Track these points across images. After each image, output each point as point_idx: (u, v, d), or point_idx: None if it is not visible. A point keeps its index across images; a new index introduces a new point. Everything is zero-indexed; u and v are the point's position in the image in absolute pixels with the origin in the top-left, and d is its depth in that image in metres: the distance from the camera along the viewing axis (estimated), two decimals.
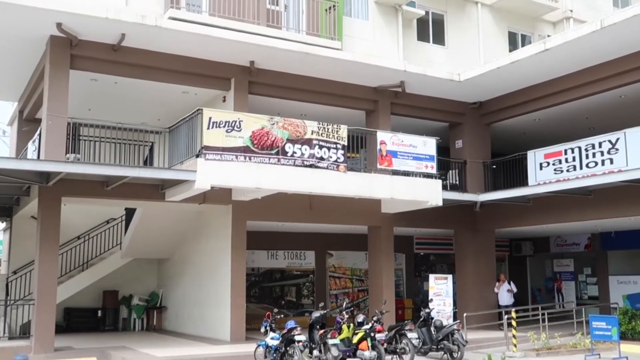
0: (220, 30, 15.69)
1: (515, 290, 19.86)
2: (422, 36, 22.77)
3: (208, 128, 13.85)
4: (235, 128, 14.15)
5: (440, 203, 16.98)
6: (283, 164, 14.62)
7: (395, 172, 16.50)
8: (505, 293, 19.66)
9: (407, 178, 16.68)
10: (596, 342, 14.95)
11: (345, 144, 15.60)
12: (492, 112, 19.97)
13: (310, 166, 15.00)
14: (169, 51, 15.67)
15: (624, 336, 16.00)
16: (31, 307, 14.98)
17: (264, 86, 17.02)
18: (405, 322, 14.77)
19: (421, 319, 15.10)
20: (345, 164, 15.50)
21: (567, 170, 16.68)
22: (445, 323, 15.20)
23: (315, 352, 13.19)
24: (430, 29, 23.03)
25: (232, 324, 15.87)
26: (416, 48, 22.27)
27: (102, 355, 14.28)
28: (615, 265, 22.32)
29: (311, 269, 21.96)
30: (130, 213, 18.78)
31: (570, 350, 15.45)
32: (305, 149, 14.99)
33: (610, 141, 15.68)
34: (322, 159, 15.18)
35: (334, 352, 12.65)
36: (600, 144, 15.92)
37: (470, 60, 22.83)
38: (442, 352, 14.55)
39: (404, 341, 13.80)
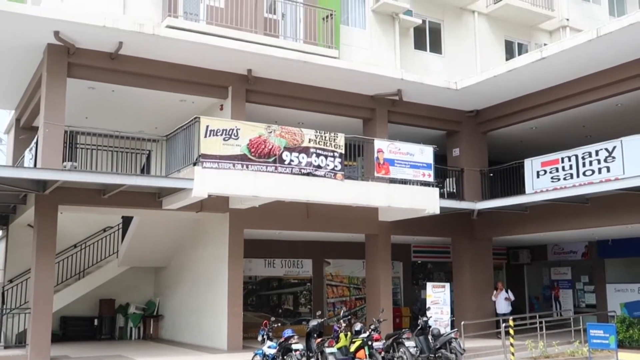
0: (218, 38, 15.72)
1: (512, 298, 19.84)
2: (419, 45, 22.86)
3: (205, 136, 13.85)
4: (233, 136, 14.15)
5: (437, 211, 16.98)
6: (280, 172, 14.62)
7: (393, 180, 16.51)
8: (502, 301, 19.64)
9: (405, 186, 16.68)
10: (594, 351, 14.90)
11: (343, 152, 15.61)
12: (489, 120, 20.01)
13: (308, 174, 15.00)
14: (167, 59, 15.69)
15: (621, 344, 15.97)
16: (27, 316, 14.92)
17: (261, 94, 17.03)
18: (403, 330, 14.72)
19: (419, 328, 15.05)
20: (343, 172, 15.50)
21: (564, 179, 16.69)
22: (442, 331, 15.16)
23: None
24: (427, 38, 23.12)
25: (229, 332, 15.81)
26: (413, 56, 22.36)
27: None
28: (613, 273, 22.31)
29: (308, 277, 21.92)
30: (127, 221, 18.74)
31: (568, 359, 15.42)
32: (303, 157, 14.99)
33: (607, 149, 15.71)
34: (319, 167, 15.18)
35: None
36: (597, 152, 15.95)
37: (467, 68, 22.92)
38: None
39: (401, 350, 13.75)
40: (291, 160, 14.82)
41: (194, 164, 13.74)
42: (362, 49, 21.09)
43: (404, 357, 13.62)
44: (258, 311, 20.64)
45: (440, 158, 19.15)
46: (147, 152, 17.15)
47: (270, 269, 21.23)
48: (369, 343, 13.00)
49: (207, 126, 13.93)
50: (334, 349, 12.81)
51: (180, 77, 16.01)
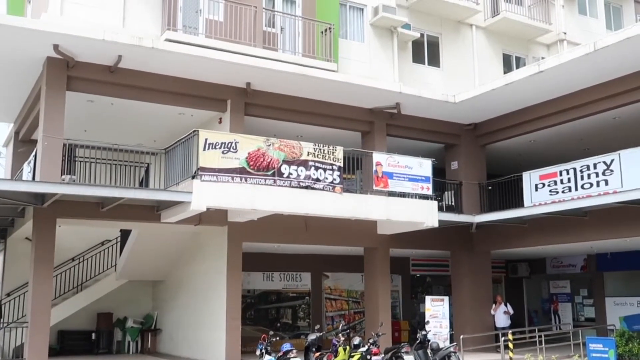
0: (217, 52, 15.77)
1: (512, 312, 19.79)
2: (418, 58, 22.96)
3: (204, 149, 13.85)
4: (231, 149, 14.16)
5: (436, 224, 16.97)
6: (279, 185, 14.62)
7: (391, 194, 16.51)
8: (502, 315, 19.59)
9: (403, 199, 16.67)
10: None
11: (341, 165, 15.62)
12: (487, 133, 20.04)
13: (306, 187, 14.99)
14: (166, 73, 15.72)
15: (621, 358, 15.91)
16: (24, 330, 14.82)
17: (260, 107, 17.06)
18: (402, 344, 14.69)
19: (418, 341, 15.01)
20: (341, 185, 15.50)
21: (563, 192, 16.70)
22: (442, 345, 15.11)
23: None
24: (426, 51, 23.23)
25: (228, 346, 15.72)
26: (411, 70, 22.44)
27: None
28: (612, 287, 22.28)
29: (307, 291, 21.86)
30: (125, 234, 18.69)
31: None
32: (301, 170, 15.00)
33: (605, 162, 15.73)
34: (318, 180, 15.18)
35: None
36: (595, 165, 15.97)
37: (465, 82, 23.00)
38: None
39: None
40: (290, 174, 14.83)
41: (193, 177, 13.74)
42: (361, 63, 21.17)
43: None
44: (256, 325, 20.56)
45: (439, 171, 19.17)
46: (146, 165, 17.14)
47: (269, 283, 21.17)
48: (368, 357, 12.94)
49: (206, 139, 13.94)
50: None
51: (179, 90, 16.04)
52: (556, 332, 21.09)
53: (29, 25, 13.68)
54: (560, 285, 24.05)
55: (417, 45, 22.96)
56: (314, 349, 13.74)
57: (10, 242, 18.94)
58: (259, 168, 14.41)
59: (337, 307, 22.31)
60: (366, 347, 13.24)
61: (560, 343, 18.61)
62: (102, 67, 15.10)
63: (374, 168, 16.29)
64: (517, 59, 25.44)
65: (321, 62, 19.36)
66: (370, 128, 18.77)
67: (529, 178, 17.66)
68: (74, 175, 14.96)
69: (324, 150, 15.41)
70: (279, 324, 21.01)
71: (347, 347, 13.45)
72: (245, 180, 14.19)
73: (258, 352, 13.52)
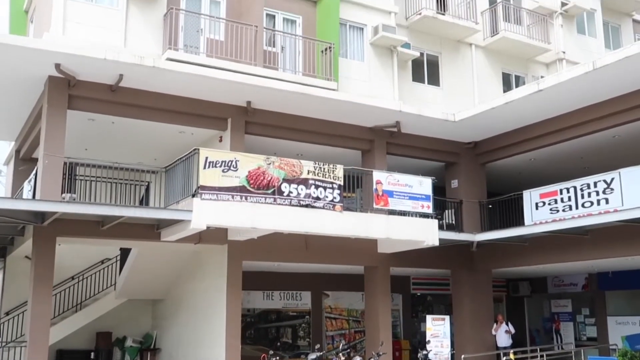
0: (218, 71, 15.85)
1: (513, 331, 19.67)
2: (417, 77, 23.08)
3: (204, 168, 13.87)
4: (232, 168, 14.17)
5: (436, 243, 16.92)
6: (279, 204, 14.61)
7: (392, 212, 16.49)
8: (503, 334, 19.47)
9: (404, 218, 16.65)
10: None
11: (342, 183, 15.63)
12: (487, 152, 20.07)
13: (307, 206, 14.99)
14: (167, 91, 15.78)
15: None
16: (23, 349, 14.73)
17: (260, 126, 17.10)
18: None
19: None
20: (342, 204, 15.49)
21: (563, 210, 16.68)
22: None
23: None
24: (425, 70, 23.36)
25: None
26: (411, 88, 22.55)
27: None
28: (614, 306, 22.17)
29: (307, 310, 21.75)
30: (125, 253, 18.66)
31: None
32: (302, 189, 15.00)
33: (605, 181, 15.73)
34: (318, 198, 15.18)
35: None
36: (595, 184, 15.97)
37: (465, 100, 23.10)
38: None
39: None
40: (290, 192, 14.83)
41: (193, 196, 13.74)
42: (361, 81, 21.28)
43: None
44: (256, 344, 20.43)
45: (439, 189, 19.16)
46: (146, 183, 17.15)
47: (269, 302, 21.08)
48: None
49: (206, 158, 13.96)
50: None
51: (180, 109, 16.09)
52: (558, 351, 20.98)
53: (31, 44, 13.77)
54: (561, 304, 23.93)
55: (416, 64, 23.09)
56: None
57: (10, 261, 18.89)
58: (259, 186, 14.41)
59: (338, 326, 22.19)
60: None
61: None
62: (104, 86, 15.17)
63: (374, 186, 16.29)
64: (517, 77, 25.57)
65: (321, 81, 19.46)
66: (371, 146, 18.80)
67: (530, 196, 17.66)
68: (74, 193, 14.97)
69: (324, 168, 15.42)
70: (279, 343, 20.87)
71: None
72: (246, 199, 14.19)
73: None
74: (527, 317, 25.52)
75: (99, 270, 20.01)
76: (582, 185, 16.30)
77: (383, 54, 22.00)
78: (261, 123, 17.05)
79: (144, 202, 17.64)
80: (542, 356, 17.48)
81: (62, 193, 14.30)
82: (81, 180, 15.37)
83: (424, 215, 16.91)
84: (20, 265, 17.96)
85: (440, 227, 17.69)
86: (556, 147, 18.57)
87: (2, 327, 18.10)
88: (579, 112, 17.13)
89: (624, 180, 15.25)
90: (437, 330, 17.55)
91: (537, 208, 17.37)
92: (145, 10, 18.06)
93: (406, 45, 22.29)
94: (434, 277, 23.26)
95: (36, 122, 16.19)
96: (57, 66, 14.19)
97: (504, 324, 19.66)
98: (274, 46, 19.84)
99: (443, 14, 23.17)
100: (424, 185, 17.04)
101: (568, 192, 16.63)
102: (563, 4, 26.27)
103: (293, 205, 14.78)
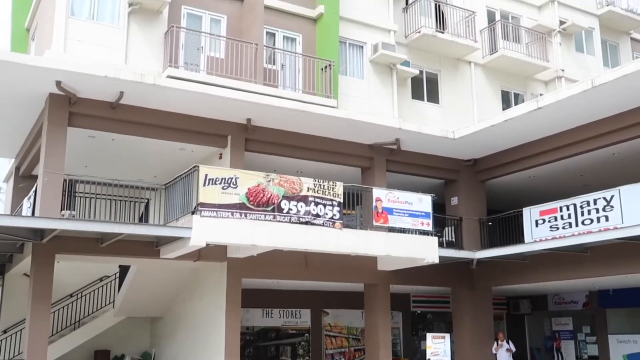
0: (218, 88, 15.89)
1: (514, 349, 19.54)
2: (417, 94, 23.16)
3: (204, 185, 13.87)
4: (232, 185, 14.18)
5: (436, 260, 16.88)
6: (279, 221, 14.59)
7: (392, 229, 16.47)
8: (504, 353, 19.32)
9: (403, 235, 16.63)
10: None
11: (341, 200, 15.62)
12: (486, 169, 20.08)
13: (306, 223, 14.97)
14: (167, 109, 15.82)
15: None
16: None
17: (260, 143, 17.13)
18: None
19: None
20: (341, 221, 15.48)
21: (563, 228, 16.66)
22: None
23: None
24: (425, 88, 23.44)
25: None
26: (411, 106, 22.62)
27: None
28: (615, 324, 22.06)
29: (307, 328, 21.64)
30: (124, 270, 18.61)
31: None
32: (301, 206, 14.99)
33: (605, 198, 15.73)
34: (318, 215, 15.16)
35: None
36: (595, 201, 15.96)
37: (464, 118, 23.17)
38: None
39: None
40: (290, 209, 14.82)
41: (193, 213, 13.73)
42: (361, 99, 21.35)
43: None
44: None
45: (439, 207, 19.15)
46: (146, 200, 17.14)
47: (268, 319, 20.97)
48: None
49: (206, 175, 13.97)
50: None
51: (180, 126, 16.13)
52: None
53: (32, 62, 13.82)
54: (562, 322, 23.81)
55: (416, 81, 23.18)
56: None
57: (8, 278, 18.81)
58: (258, 204, 14.41)
59: (337, 344, 22.05)
60: None
61: None
62: (104, 103, 15.21)
63: (374, 204, 16.29)
64: (516, 95, 25.66)
65: (321, 99, 19.53)
66: (370, 164, 18.82)
67: (529, 214, 17.64)
68: (74, 210, 14.96)
69: (323, 185, 15.43)
70: None
71: None
72: (245, 216, 14.18)
73: None
74: (527, 335, 25.39)
75: (98, 288, 19.93)
76: (582, 202, 16.29)
77: (383, 72, 22.10)
78: (261, 140, 17.08)
79: (143, 219, 17.62)
80: None
81: (61, 210, 14.28)
82: (81, 197, 15.36)
83: (424, 233, 16.89)
84: (19, 282, 17.88)
85: (440, 245, 17.66)
86: (555, 164, 18.59)
87: (0, 345, 17.98)
88: (578, 129, 17.17)
89: (623, 198, 15.25)
90: (438, 348, 17.45)
91: (537, 225, 17.35)
92: (146, 28, 18.17)
93: (406, 63, 22.39)
94: (434, 294, 23.17)
95: (36, 139, 16.22)
96: (58, 83, 14.24)
97: (505, 342, 19.54)
98: (274, 64, 19.94)
99: (442, 32, 23.31)
100: (424, 202, 17.04)
101: (568, 209, 16.62)
102: (561, 23, 26.43)
103: (293, 223, 14.76)
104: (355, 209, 16.77)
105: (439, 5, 23.91)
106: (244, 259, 15.84)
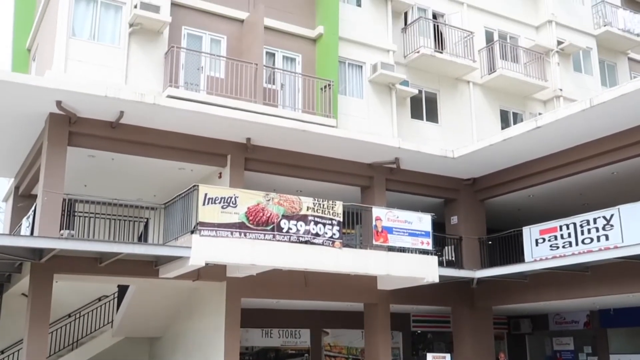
0: (218, 108, 15.94)
1: None
2: (416, 114, 23.21)
3: (204, 204, 13.86)
4: (231, 204, 14.17)
5: (436, 279, 16.82)
6: (278, 240, 14.56)
7: (391, 249, 16.45)
8: None
9: (403, 254, 16.59)
10: None
11: (341, 220, 15.60)
12: (486, 188, 20.09)
13: (306, 242, 14.94)
14: (167, 128, 15.87)
15: None
16: None
17: (260, 162, 17.16)
18: None
19: None
20: (341, 240, 15.45)
21: (563, 247, 16.62)
22: None
23: None
24: (424, 107, 23.50)
25: None
26: (410, 125, 22.67)
27: None
28: (616, 344, 21.93)
29: (306, 348, 21.50)
30: (122, 290, 18.52)
31: None
32: (301, 225, 14.97)
33: (604, 217, 15.71)
34: (317, 235, 15.14)
35: None
36: (595, 220, 15.94)
37: (463, 137, 23.20)
38: None
39: None
40: (289, 228, 14.79)
41: (192, 232, 13.70)
42: (360, 118, 21.40)
43: None
44: None
45: (439, 226, 19.13)
46: (145, 220, 17.12)
47: (268, 339, 20.84)
48: None
49: (206, 194, 13.96)
50: None
51: (179, 145, 16.16)
52: None
53: (32, 82, 13.88)
54: (563, 342, 23.68)
55: (415, 101, 23.26)
56: None
57: (6, 298, 18.71)
58: (258, 223, 14.39)
59: None
60: None
61: None
62: (104, 123, 15.25)
63: (374, 223, 16.27)
64: (515, 114, 25.74)
65: (321, 118, 19.58)
66: (370, 183, 18.83)
67: (529, 233, 17.61)
68: (73, 230, 14.92)
69: (323, 205, 15.42)
70: None
71: None
72: (245, 235, 14.15)
73: None
74: (528, 355, 25.23)
75: (96, 308, 19.83)
76: (581, 221, 16.27)
77: (382, 92, 22.18)
78: (261, 159, 17.11)
79: (142, 238, 17.57)
80: None
81: (60, 229, 14.25)
82: (80, 216, 15.34)
83: (424, 252, 16.85)
84: (17, 302, 17.81)
85: (440, 264, 17.61)
86: (555, 183, 18.60)
87: None
88: (577, 148, 17.21)
89: (623, 217, 15.24)
90: None
91: (537, 244, 17.32)
92: (147, 48, 18.27)
93: (405, 83, 22.49)
94: (435, 314, 23.05)
95: (36, 159, 16.23)
96: (58, 103, 14.29)
97: None
98: (273, 84, 20.01)
99: (441, 52, 23.44)
100: (424, 221, 17.02)
101: (568, 228, 16.59)
102: (559, 43, 26.58)
103: (292, 242, 14.73)
104: (355, 228, 16.74)
105: (438, 26, 24.06)
106: (243, 278, 15.77)
